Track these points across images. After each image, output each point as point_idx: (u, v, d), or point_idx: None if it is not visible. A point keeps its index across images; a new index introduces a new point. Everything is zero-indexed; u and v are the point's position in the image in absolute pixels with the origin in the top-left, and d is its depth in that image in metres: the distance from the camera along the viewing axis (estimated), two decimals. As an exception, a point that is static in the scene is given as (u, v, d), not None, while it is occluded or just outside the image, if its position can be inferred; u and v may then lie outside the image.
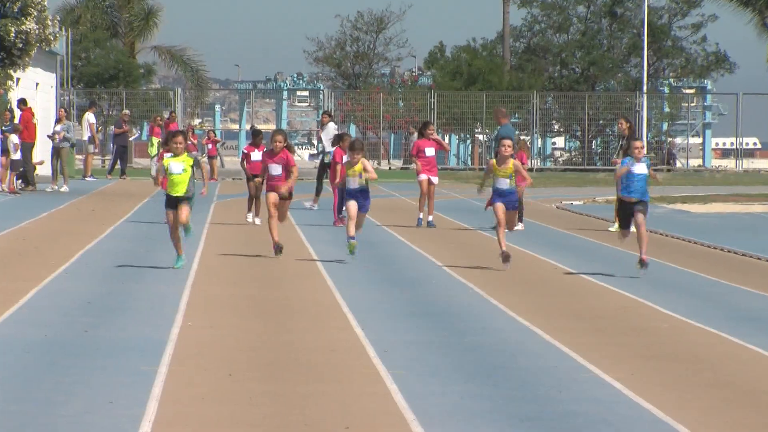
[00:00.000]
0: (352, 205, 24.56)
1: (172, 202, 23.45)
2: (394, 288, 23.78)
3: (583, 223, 40.07)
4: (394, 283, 24.70)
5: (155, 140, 61.98)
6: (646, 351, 16.48)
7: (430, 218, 37.54)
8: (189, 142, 26.98)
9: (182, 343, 16.10)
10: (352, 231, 24.63)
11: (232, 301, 21.19)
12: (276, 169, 25.58)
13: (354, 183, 24.50)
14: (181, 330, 17.09)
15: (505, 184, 24.31)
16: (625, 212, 24.91)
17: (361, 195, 24.74)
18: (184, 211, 23.23)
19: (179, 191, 23.21)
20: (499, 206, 24.13)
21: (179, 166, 23.03)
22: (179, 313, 18.47)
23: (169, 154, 23.51)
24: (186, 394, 13.16)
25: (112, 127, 71.27)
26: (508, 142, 24.30)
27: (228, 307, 20.46)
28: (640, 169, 24.44)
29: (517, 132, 76.25)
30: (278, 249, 25.91)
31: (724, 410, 12.32)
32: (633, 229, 25.27)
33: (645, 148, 23.28)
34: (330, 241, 31.20)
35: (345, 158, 28.77)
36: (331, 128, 48.34)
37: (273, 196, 25.59)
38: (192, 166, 23.27)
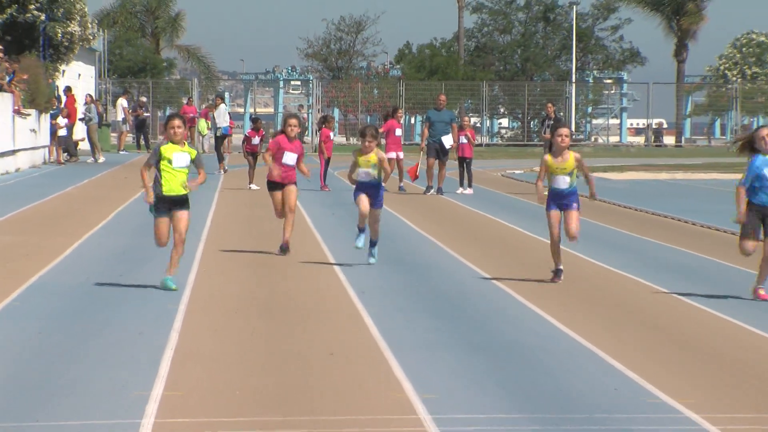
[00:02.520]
0: (363, 200, 17.50)
1: (166, 206, 15.02)
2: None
3: (523, 188, 39.36)
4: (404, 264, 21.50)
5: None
6: (583, 295, 16.30)
7: (401, 184, 37.28)
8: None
9: (198, 286, 16.22)
10: (363, 224, 17.71)
11: (239, 253, 20.65)
12: (291, 158, 19.04)
13: (366, 175, 17.49)
14: (197, 276, 17.05)
15: (564, 182, 16.20)
16: (754, 221, 15.56)
17: (374, 188, 17.64)
18: (184, 222, 15.06)
19: (179, 189, 14.96)
20: (555, 215, 16.29)
21: (184, 158, 14.89)
22: (195, 261, 18.36)
23: (166, 143, 15.29)
24: (201, 327, 13.37)
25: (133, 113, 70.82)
26: (564, 131, 16.33)
27: (236, 258, 20.04)
28: None
29: (469, 114, 75.99)
30: (284, 249, 19.36)
31: (656, 349, 12.25)
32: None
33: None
34: (318, 202, 30.48)
35: (332, 135, 28.76)
36: (222, 109, 48.82)
37: (279, 196, 19.10)
38: (192, 162, 15.08)
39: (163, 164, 14.87)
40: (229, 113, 75.10)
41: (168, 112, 58.53)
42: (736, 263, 19.49)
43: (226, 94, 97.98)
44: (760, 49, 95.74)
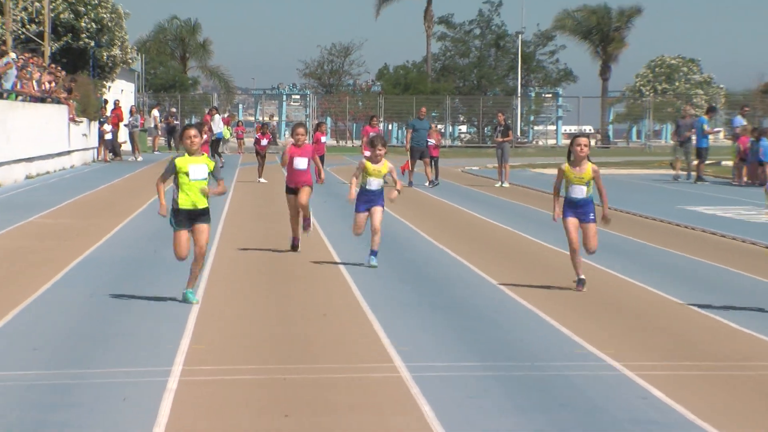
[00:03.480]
0: (362, 218, 15.20)
1: (186, 219, 12.14)
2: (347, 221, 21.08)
3: (479, 181, 39.18)
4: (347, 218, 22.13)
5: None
6: (526, 265, 15.91)
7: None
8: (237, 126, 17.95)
9: (218, 258, 16.13)
10: (361, 229, 15.42)
11: (253, 232, 20.58)
12: (302, 163, 16.62)
13: (376, 184, 15.03)
14: (217, 251, 16.89)
15: (580, 192, 13.18)
16: None
17: (377, 196, 15.21)
18: (204, 235, 12.23)
19: (197, 203, 12.01)
20: (572, 222, 13.18)
21: (202, 169, 11.90)
22: (215, 240, 17.97)
23: (181, 155, 12.33)
24: (222, 292, 13.34)
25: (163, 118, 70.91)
26: (584, 140, 13.26)
27: (250, 235, 19.89)
28: None
29: (435, 122, 75.90)
30: (295, 246, 17.13)
31: (584, 308, 12.18)
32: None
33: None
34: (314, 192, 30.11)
35: (324, 138, 27.72)
36: (216, 119, 48.57)
37: (293, 200, 16.82)
38: (211, 174, 12.07)
39: (181, 178, 11.81)
40: (241, 121, 75.61)
41: (193, 120, 57.64)
42: (646, 239, 19.84)
43: (240, 106, 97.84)
44: (670, 69, 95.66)
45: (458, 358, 9.94)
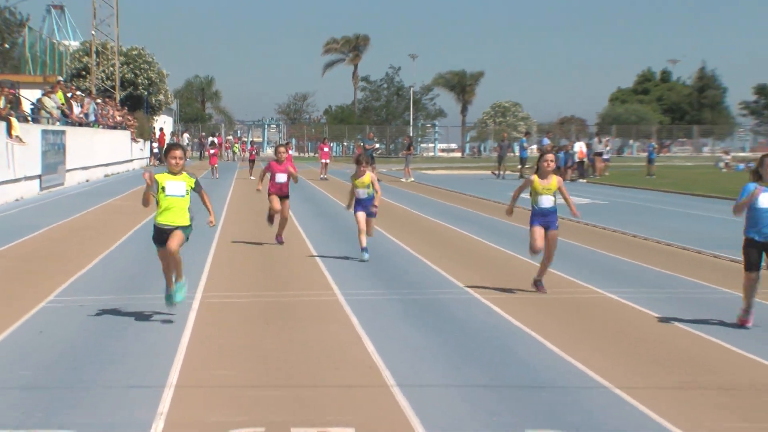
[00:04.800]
0: (361, 216, 12.14)
1: (163, 236, 7.98)
2: (324, 219, 18.06)
3: (389, 179, 38.27)
4: (323, 215, 19.19)
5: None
6: (473, 264, 11.87)
7: (326, 176, 35.02)
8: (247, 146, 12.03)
9: (220, 244, 13.73)
10: (364, 242, 12.08)
11: (248, 226, 16.22)
12: (282, 177, 13.66)
13: (363, 193, 12.21)
14: (218, 243, 13.92)
15: (548, 202, 9.74)
16: (755, 255, 7.91)
17: (368, 201, 12.27)
18: (176, 239, 7.86)
19: (175, 220, 7.93)
20: (538, 230, 9.59)
21: (180, 186, 7.96)
22: (217, 233, 14.84)
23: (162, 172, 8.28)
24: (224, 271, 11.05)
25: (196, 140, 69.71)
26: (550, 156, 9.98)
27: (244, 228, 15.95)
28: None
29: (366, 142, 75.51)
30: (271, 218, 14.09)
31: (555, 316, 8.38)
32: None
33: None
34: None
35: (291, 151, 26.47)
36: (185, 137, 48.12)
37: (276, 200, 13.67)
38: (193, 190, 8.11)
39: (160, 192, 7.97)
40: (245, 141, 75.11)
41: (209, 140, 56.61)
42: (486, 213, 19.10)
43: (239, 131, 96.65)
44: (503, 109, 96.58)
45: (372, 287, 10.03)
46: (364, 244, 11.89)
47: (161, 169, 8.29)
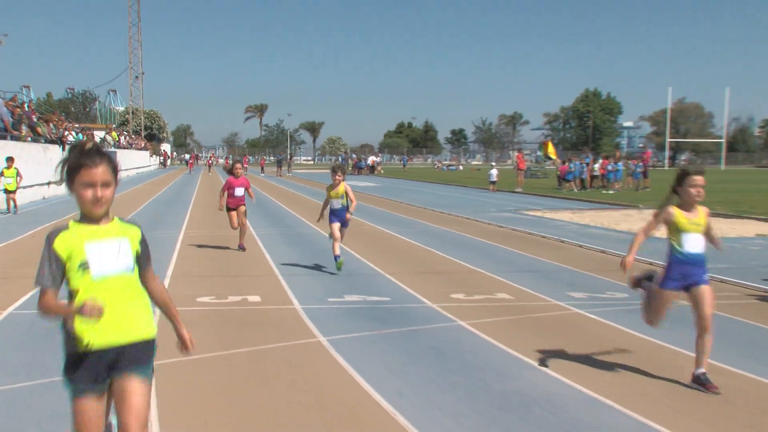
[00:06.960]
0: (336, 227, 10.86)
1: (93, 371, 2.26)
2: (276, 222, 17.70)
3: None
4: (270, 216, 19.16)
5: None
6: (417, 268, 11.32)
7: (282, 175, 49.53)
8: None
9: (189, 226, 15.19)
10: (338, 250, 10.85)
11: (209, 218, 17.29)
12: (240, 191, 13.00)
13: (337, 203, 10.85)
14: (187, 227, 15.26)
15: (698, 245, 5.27)
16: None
17: (342, 212, 10.92)
18: (138, 398, 2.13)
19: (119, 336, 2.18)
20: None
21: (113, 249, 2.24)
22: (184, 223, 16.16)
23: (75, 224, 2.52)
24: (193, 249, 12.20)
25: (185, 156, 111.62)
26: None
27: (206, 221, 16.94)
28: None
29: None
30: (242, 248, 13.13)
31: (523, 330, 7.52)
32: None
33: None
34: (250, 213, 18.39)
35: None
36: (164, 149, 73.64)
37: (234, 218, 13.17)
38: (140, 244, 2.47)
39: (75, 277, 2.73)
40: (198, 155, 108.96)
41: (188, 156, 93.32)
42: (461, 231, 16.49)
43: (204, 151, 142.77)
44: (333, 140, 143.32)
45: (334, 295, 9.07)
46: (338, 252, 10.88)
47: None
